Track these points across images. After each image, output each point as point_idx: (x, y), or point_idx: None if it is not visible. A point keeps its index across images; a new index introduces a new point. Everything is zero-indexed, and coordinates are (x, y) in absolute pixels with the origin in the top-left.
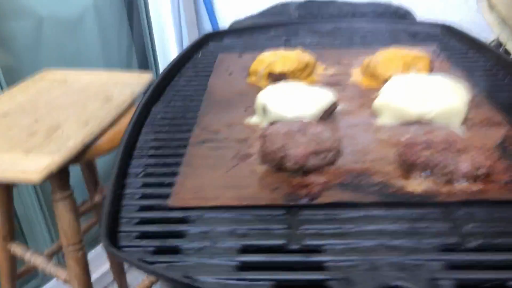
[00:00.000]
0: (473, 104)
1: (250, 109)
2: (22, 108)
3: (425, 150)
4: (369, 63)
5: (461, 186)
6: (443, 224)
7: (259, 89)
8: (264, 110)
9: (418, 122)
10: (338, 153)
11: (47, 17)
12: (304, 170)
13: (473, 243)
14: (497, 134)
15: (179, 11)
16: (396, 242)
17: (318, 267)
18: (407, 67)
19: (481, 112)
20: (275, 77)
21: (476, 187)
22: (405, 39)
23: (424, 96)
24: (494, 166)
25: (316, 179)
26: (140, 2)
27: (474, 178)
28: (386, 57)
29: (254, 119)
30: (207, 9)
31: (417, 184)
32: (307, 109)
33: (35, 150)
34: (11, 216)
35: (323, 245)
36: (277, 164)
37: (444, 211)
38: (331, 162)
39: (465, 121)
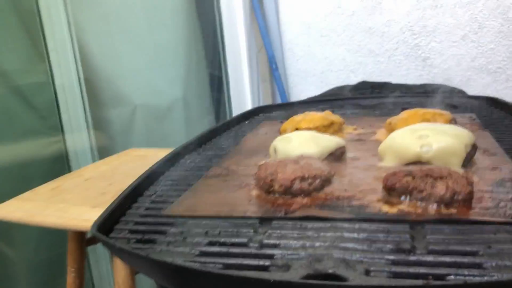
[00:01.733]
0: (486, 153)
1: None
2: (102, 175)
3: (406, 177)
4: (391, 121)
5: (435, 209)
6: (401, 235)
7: None
8: (275, 151)
9: (418, 162)
10: (326, 181)
11: (140, 105)
12: (291, 193)
13: (422, 250)
14: (499, 174)
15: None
16: (348, 245)
17: (267, 257)
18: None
19: (491, 159)
20: None
21: (449, 211)
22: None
23: (425, 139)
24: (480, 196)
25: (300, 201)
26: (226, 102)
27: (450, 203)
28: (407, 114)
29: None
30: (278, 90)
31: (394, 206)
32: (311, 148)
33: (101, 206)
34: (82, 273)
35: (278, 244)
36: (268, 188)
37: (408, 227)
38: (318, 188)
39: (469, 164)
